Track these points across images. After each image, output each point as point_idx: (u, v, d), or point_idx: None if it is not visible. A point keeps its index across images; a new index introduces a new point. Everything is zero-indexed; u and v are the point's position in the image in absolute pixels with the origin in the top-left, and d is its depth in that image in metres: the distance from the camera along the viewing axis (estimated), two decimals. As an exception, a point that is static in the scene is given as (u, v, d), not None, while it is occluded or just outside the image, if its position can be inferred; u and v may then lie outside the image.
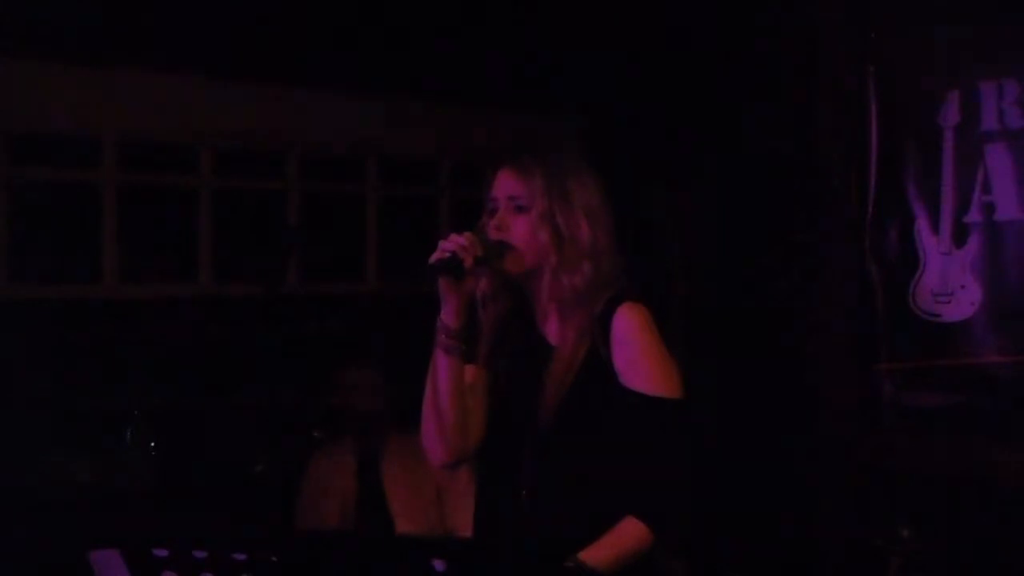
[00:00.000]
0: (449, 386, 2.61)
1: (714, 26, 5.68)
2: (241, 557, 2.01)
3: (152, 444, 4.76)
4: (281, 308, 4.77)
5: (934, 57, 4.68)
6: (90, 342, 5.22)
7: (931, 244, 4.69)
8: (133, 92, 5.37)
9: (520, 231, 2.58)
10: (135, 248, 5.55)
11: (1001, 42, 4.53)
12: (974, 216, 4.58)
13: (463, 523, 3.99)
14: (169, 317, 5.52)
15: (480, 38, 5.86)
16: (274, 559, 2.01)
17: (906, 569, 4.25)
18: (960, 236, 4.62)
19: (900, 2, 4.81)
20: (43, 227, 5.26)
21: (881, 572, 4.29)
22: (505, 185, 2.61)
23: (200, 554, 2.02)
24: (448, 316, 2.58)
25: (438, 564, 1.93)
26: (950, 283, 4.63)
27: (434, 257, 2.51)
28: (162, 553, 2.03)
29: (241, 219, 5.83)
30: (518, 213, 2.59)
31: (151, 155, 5.61)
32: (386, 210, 6.27)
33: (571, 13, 5.79)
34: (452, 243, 2.51)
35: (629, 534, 2.51)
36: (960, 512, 4.48)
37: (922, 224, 4.71)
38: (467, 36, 5.83)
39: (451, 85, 5.97)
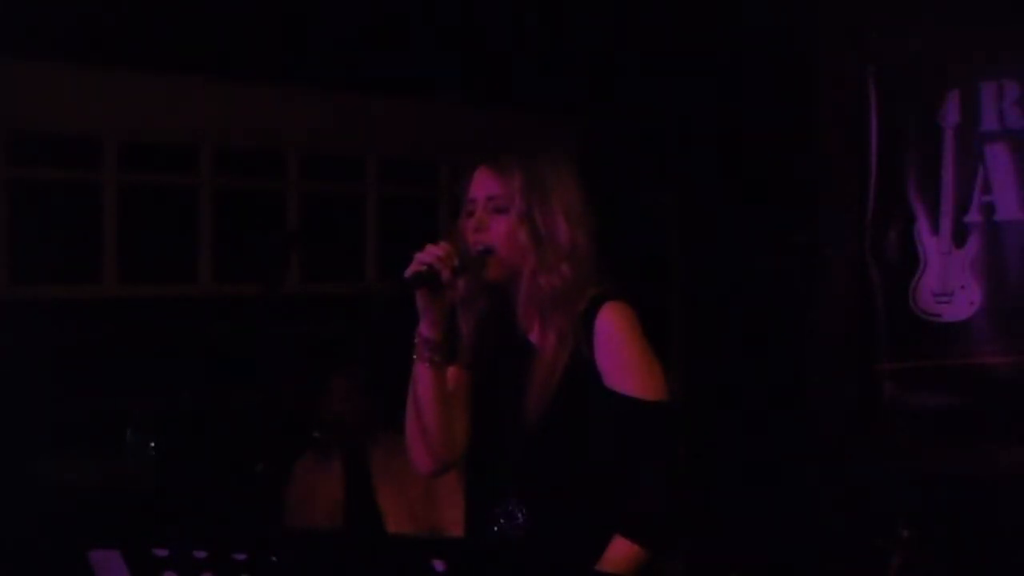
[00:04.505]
0: (432, 396, 2.57)
1: (714, 26, 5.68)
2: (241, 557, 2.01)
3: (152, 444, 4.76)
4: (281, 308, 4.77)
5: (934, 57, 4.68)
6: (90, 342, 5.22)
7: (931, 244, 4.69)
8: (133, 92, 5.37)
9: (499, 232, 2.53)
10: (135, 248, 5.55)
11: (1001, 42, 4.54)
12: (974, 216, 4.59)
13: (452, 520, 3.99)
14: (169, 317, 5.52)
15: (480, 38, 5.86)
16: (274, 559, 2.01)
17: (906, 569, 4.25)
18: (960, 236, 4.61)
19: (900, 2, 4.81)
20: (43, 227, 5.27)
21: (881, 572, 4.29)
22: (483, 185, 2.57)
23: (200, 554, 2.02)
24: (427, 329, 2.53)
25: (438, 564, 1.92)
26: (950, 283, 4.63)
27: (410, 271, 2.45)
28: (162, 553, 2.03)
29: (241, 219, 5.83)
30: (497, 214, 2.54)
31: (151, 155, 5.61)
32: (386, 210, 6.27)
33: (571, 13, 5.80)
34: (428, 255, 2.45)
35: (620, 556, 2.47)
36: (960, 512, 4.48)
37: (922, 224, 4.70)
38: (466, 36, 5.83)
39: (451, 85, 5.98)
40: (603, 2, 5.81)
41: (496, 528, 2.56)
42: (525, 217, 2.53)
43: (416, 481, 4.01)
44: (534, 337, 2.61)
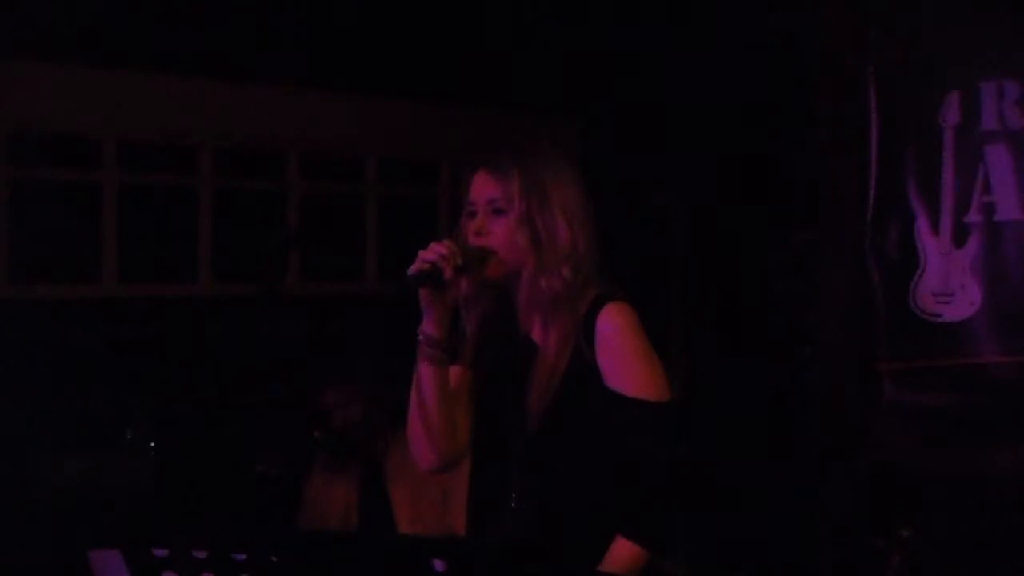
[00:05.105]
0: (434, 393, 2.58)
1: (714, 27, 5.69)
2: (241, 557, 2.00)
3: (152, 444, 4.76)
4: (281, 308, 4.77)
5: (934, 57, 4.67)
6: (90, 342, 5.23)
7: (931, 244, 4.68)
8: (133, 92, 5.38)
9: (500, 234, 2.54)
10: (135, 248, 5.55)
11: (1001, 42, 4.53)
12: (974, 216, 4.58)
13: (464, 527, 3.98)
14: (169, 317, 5.52)
15: (481, 39, 5.86)
16: (274, 559, 2.01)
17: (906, 569, 4.25)
18: (960, 236, 4.61)
19: (900, 2, 4.81)
20: (43, 227, 5.27)
21: (881, 572, 4.29)
22: (483, 188, 2.57)
23: (200, 554, 2.02)
24: (430, 326, 2.54)
25: (438, 564, 1.92)
26: (950, 283, 4.63)
27: (413, 268, 2.46)
28: (162, 553, 2.03)
29: (241, 219, 5.83)
30: (497, 216, 2.54)
31: (151, 155, 5.61)
32: (386, 210, 6.27)
33: (571, 13, 5.80)
34: (432, 253, 2.46)
35: (622, 556, 2.49)
36: (960, 512, 4.48)
37: (922, 224, 4.70)
38: (468, 37, 5.83)
39: (451, 86, 5.98)
40: (603, 2, 5.81)
41: (497, 527, 2.57)
42: (525, 219, 2.53)
43: (433, 485, 4.00)
44: (536, 337, 2.61)
